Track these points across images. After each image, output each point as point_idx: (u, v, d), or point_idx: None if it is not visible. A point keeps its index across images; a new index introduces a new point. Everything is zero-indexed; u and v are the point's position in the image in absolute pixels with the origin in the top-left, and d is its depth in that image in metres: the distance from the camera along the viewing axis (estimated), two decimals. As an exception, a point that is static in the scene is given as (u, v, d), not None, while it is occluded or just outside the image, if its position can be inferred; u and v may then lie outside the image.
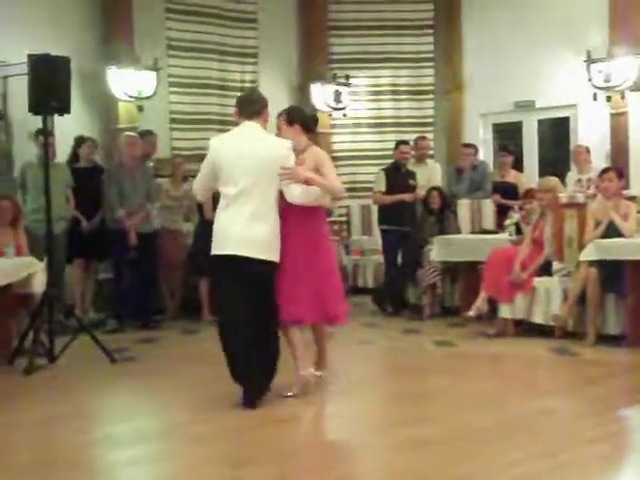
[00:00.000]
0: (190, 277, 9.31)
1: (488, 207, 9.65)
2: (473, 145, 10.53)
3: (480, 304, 7.78)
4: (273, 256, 5.45)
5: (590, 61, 10.49)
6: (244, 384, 5.39)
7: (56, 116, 7.02)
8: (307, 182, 5.51)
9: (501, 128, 12.12)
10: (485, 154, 11.67)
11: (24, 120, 8.16)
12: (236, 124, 5.86)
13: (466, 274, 8.62)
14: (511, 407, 5.35)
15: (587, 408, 5.35)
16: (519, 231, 8.31)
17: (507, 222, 8.79)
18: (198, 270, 8.90)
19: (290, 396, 5.55)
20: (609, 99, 10.53)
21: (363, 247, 11.25)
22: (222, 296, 5.57)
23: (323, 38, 12.17)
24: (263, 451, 4.53)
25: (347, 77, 12.02)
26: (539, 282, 7.63)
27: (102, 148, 9.71)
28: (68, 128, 8.56)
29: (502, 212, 9.39)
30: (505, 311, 7.69)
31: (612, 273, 7.08)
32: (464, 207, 9.67)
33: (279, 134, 5.78)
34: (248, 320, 5.40)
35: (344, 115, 12.17)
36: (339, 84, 11.96)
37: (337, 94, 11.95)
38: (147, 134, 9.43)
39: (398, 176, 9.31)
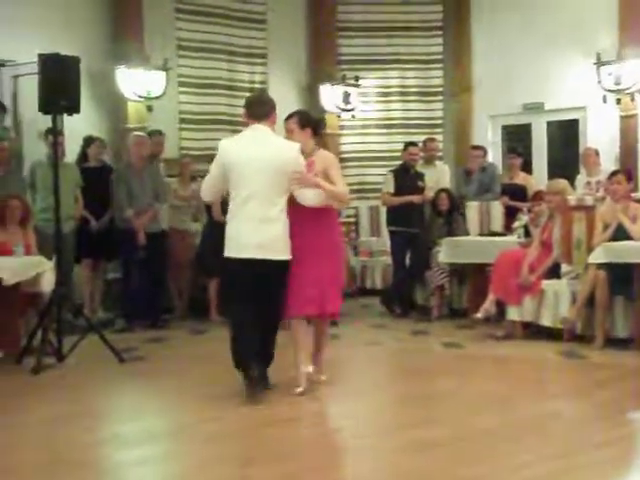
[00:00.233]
0: (198, 277, 9.32)
1: (497, 209, 9.63)
2: (482, 147, 10.53)
3: (488, 306, 7.77)
4: (286, 255, 5.57)
5: (600, 63, 10.48)
6: (247, 373, 5.48)
7: (65, 116, 7.04)
8: (316, 187, 5.62)
9: (510, 130, 12.11)
10: (494, 156, 11.65)
11: (34, 119, 8.18)
12: (245, 125, 5.90)
13: (474, 276, 8.61)
14: (519, 409, 5.34)
15: (595, 411, 5.34)
16: (528, 233, 8.30)
17: (516, 224, 8.78)
18: (206, 270, 8.92)
19: (300, 392, 5.60)
20: (619, 101, 10.51)
21: (371, 248, 11.24)
22: (234, 297, 5.67)
23: (332, 39, 12.17)
24: (271, 450, 4.53)
25: (356, 78, 12.01)
26: (547, 285, 7.61)
27: (111, 148, 9.74)
28: (77, 128, 8.58)
29: (511, 214, 9.37)
30: (513, 313, 7.68)
31: (621, 276, 7.06)
32: (473, 209, 9.66)
33: (290, 137, 5.82)
34: (257, 320, 5.53)
35: (353, 116, 12.17)
36: (348, 85, 11.96)
37: (346, 95, 11.95)
38: (155, 134, 9.45)
39: (407, 177, 9.30)
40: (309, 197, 5.62)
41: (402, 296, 9.33)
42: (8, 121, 9.00)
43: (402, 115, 12.37)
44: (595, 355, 6.89)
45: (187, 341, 8.12)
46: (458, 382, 6.16)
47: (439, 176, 9.95)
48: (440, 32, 12.29)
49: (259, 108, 5.72)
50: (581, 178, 9.80)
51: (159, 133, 9.52)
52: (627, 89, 10.41)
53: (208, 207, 8.90)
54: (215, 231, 8.42)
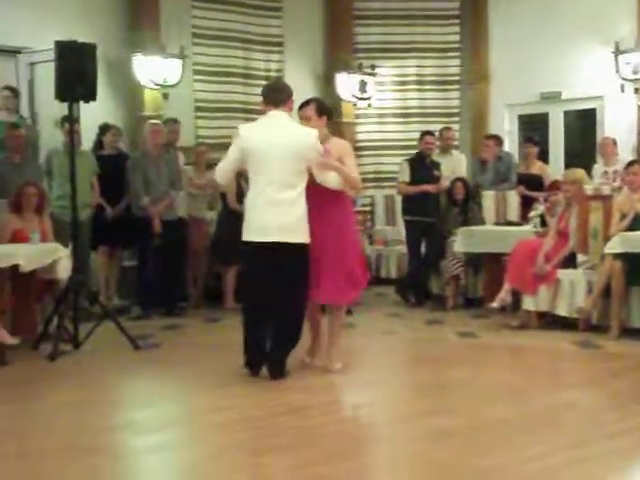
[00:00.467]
0: (213, 265, 9.34)
1: (513, 198, 9.59)
2: (495, 136, 10.44)
3: (504, 296, 7.75)
4: (306, 238, 5.70)
5: (618, 52, 10.40)
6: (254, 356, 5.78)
7: (82, 103, 7.05)
8: (336, 171, 5.77)
9: (527, 119, 12.05)
10: (510, 145, 11.61)
11: (50, 107, 8.20)
12: (261, 113, 5.95)
13: (490, 265, 8.59)
14: (534, 399, 5.33)
15: (610, 401, 5.32)
16: (544, 223, 8.26)
17: (532, 214, 8.74)
18: (221, 259, 8.93)
19: (338, 369, 5.93)
20: (637, 91, 10.44)
21: (387, 237, 11.22)
22: (253, 281, 5.77)
23: (349, 27, 12.14)
24: (285, 438, 4.54)
25: (373, 67, 11.98)
26: (563, 274, 7.59)
27: (127, 135, 9.76)
28: (94, 115, 8.60)
29: (527, 204, 9.33)
30: (529, 303, 7.66)
31: (637, 266, 7.02)
32: (489, 198, 9.62)
33: (306, 124, 5.90)
34: (269, 311, 5.73)
35: (369, 105, 12.15)
36: (364, 74, 11.93)
37: (362, 84, 11.92)
38: (170, 122, 9.46)
39: (422, 167, 9.27)
40: (331, 178, 5.76)
41: (417, 285, 9.32)
42: (24, 109, 9.05)
43: (418, 104, 12.33)
44: (611, 345, 6.87)
45: (202, 329, 8.15)
46: (473, 372, 6.15)
47: (455, 165, 9.93)
48: (457, 21, 12.23)
49: (277, 94, 5.83)
50: (598, 167, 9.75)
51: (174, 121, 9.53)
52: (646, 78, 10.34)
53: (223, 195, 8.92)
54: (230, 219, 8.47)
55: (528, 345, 7.14)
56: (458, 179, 9.39)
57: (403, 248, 10.00)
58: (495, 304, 7.76)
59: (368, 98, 12.06)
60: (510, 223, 9.18)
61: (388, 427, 4.84)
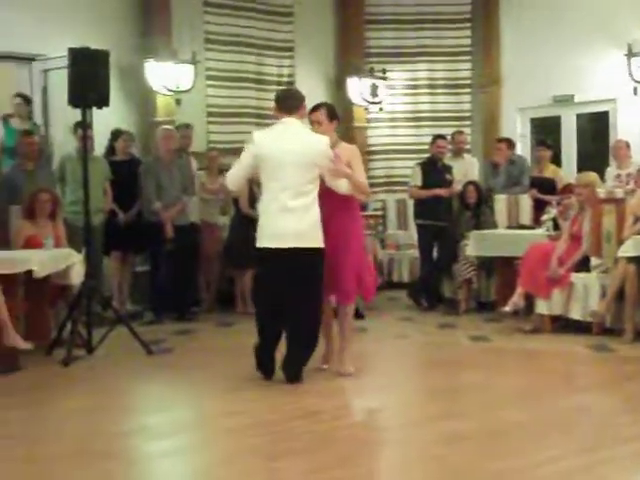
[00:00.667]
0: (225, 270, 9.36)
1: (525, 202, 9.57)
2: (507, 139, 10.40)
3: (516, 299, 7.73)
4: (321, 243, 5.75)
5: (631, 55, 10.36)
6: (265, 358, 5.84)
7: (95, 109, 7.08)
8: (346, 177, 5.85)
9: (539, 123, 12.02)
10: (523, 149, 11.57)
11: (63, 113, 8.23)
12: (273, 118, 5.99)
13: (502, 269, 8.57)
14: (547, 403, 5.31)
15: (624, 405, 5.31)
16: (556, 226, 8.25)
17: (544, 217, 8.72)
18: (236, 262, 8.93)
19: (350, 373, 5.95)
20: (650, 93, 10.41)
21: (399, 241, 11.22)
22: (268, 286, 5.81)
23: (360, 32, 12.14)
24: (298, 443, 4.54)
25: (384, 71, 11.97)
26: (577, 278, 7.56)
27: (140, 141, 9.79)
28: (107, 121, 8.64)
29: (539, 207, 9.31)
30: (542, 307, 7.64)
31: (651, 269, 7.01)
32: (501, 202, 9.61)
33: (316, 128, 5.96)
34: (293, 308, 5.75)
35: (380, 109, 12.14)
36: (376, 78, 11.92)
37: (374, 88, 11.92)
38: (183, 127, 9.49)
39: (434, 170, 9.28)
40: (342, 183, 5.82)
41: (429, 289, 9.31)
42: (38, 116, 9.09)
43: (430, 108, 12.31)
44: (624, 349, 6.84)
45: (214, 333, 8.16)
46: (485, 376, 6.14)
47: (467, 169, 9.93)
48: (469, 24, 12.21)
49: (289, 102, 5.90)
50: (611, 170, 9.72)
51: (187, 126, 9.56)
52: (658, 81, 10.30)
53: (236, 200, 8.94)
54: (243, 224, 8.49)
55: (541, 349, 7.12)
56: (470, 183, 9.38)
57: (415, 252, 10.00)
58: (508, 308, 7.75)
59: (379, 102, 12.06)
60: (523, 227, 9.17)
61: (401, 431, 4.83)
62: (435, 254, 9.32)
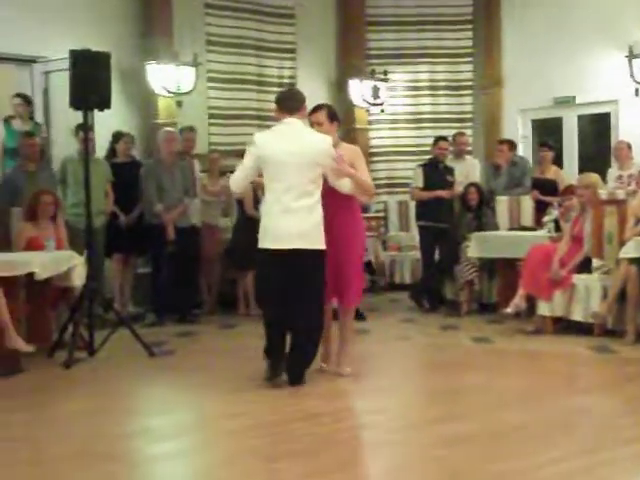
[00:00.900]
0: (227, 272, 9.36)
1: (527, 203, 9.57)
2: (509, 141, 10.40)
3: (518, 301, 7.73)
4: (322, 244, 5.75)
5: (632, 56, 10.36)
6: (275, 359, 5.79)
7: (96, 111, 7.08)
8: (349, 177, 5.87)
9: (540, 124, 12.02)
10: (524, 150, 11.57)
11: (65, 115, 8.24)
12: (275, 120, 5.99)
13: (504, 271, 8.56)
14: (548, 405, 5.31)
15: (625, 407, 5.30)
16: (558, 228, 8.25)
17: (546, 219, 8.73)
18: (239, 264, 8.92)
19: (348, 373, 5.98)
20: (651, 95, 10.40)
21: (400, 243, 11.23)
22: (271, 287, 5.80)
23: (361, 33, 12.16)
24: (298, 445, 4.54)
25: (385, 72, 11.98)
26: (578, 279, 7.56)
27: (141, 143, 9.80)
28: (108, 123, 8.65)
29: (541, 209, 9.31)
30: (544, 308, 7.64)
31: (652, 271, 7.00)
32: (503, 203, 9.61)
33: (318, 129, 5.95)
34: (289, 318, 5.74)
35: (382, 111, 12.14)
36: (377, 79, 11.93)
37: (375, 90, 11.92)
38: (186, 130, 9.48)
39: (436, 172, 9.28)
40: (345, 183, 5.83)
41: (431, 291, 9.31)
42: (39, 118, 9.10)
43: (431, 109, 12.32)
44: (626, 350, 6.84)
45: (216, 335, 8.16)
46: (487, 377, 6.14)
47: (469, 170, 9.92)
48: (470, 26, 12.22)
49: (291, 102, 5.90)
50: (612, 172, 9.72)
51: (190, 129, 9.54)
52: (660, 82, 10.29)
53: (240, 202, 8.94)
54: (248, 226, 8.48)
55: (543, 350, 7.11)
56: (472, 184, 9.37)
57: (417, 254, 10.01)
58: (509, 310, 7.75)
59: (381, 104, 12.06)
60: (524, 228, 9.17)
61: (402, 433, 4.83)
62: (437, 256, 9.32)
